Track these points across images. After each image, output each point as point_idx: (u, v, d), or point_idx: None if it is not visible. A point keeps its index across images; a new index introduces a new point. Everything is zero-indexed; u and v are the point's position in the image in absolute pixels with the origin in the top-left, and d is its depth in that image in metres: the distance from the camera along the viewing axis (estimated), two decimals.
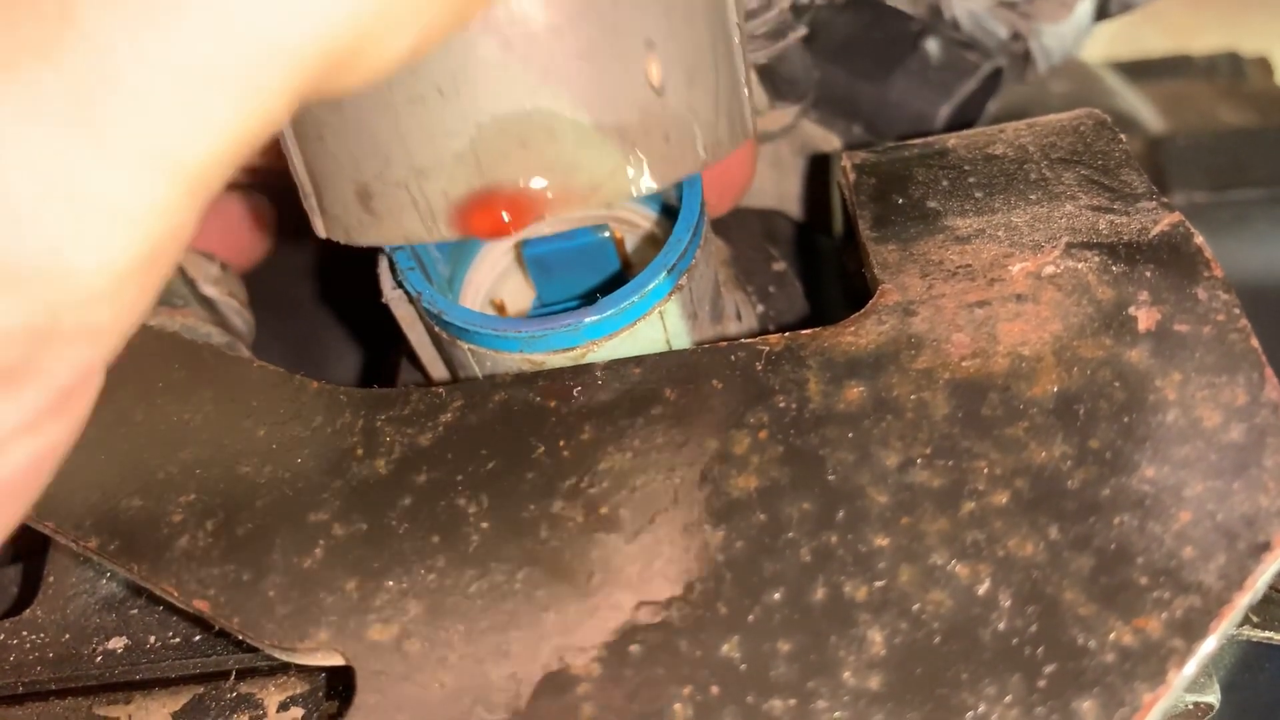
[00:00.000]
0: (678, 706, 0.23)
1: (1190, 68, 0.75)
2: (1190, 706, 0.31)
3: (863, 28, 0.48)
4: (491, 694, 0.24)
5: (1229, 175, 0.58)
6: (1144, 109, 0.66)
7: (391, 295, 0.33)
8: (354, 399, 0.30)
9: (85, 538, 0.29)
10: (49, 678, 0.32)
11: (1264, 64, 0.77)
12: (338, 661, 0.26)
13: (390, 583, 0.26)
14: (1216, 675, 0.32)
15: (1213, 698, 0.31)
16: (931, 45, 0.48)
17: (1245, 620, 0.30)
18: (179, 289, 0.39)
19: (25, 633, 0.33)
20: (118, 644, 0.32)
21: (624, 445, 0.28)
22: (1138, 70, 0.74)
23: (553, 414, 0.29)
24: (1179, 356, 0.26)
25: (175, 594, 0.27)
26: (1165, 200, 0.30)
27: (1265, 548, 0.23)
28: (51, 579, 0.34)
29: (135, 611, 0.32)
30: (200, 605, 0.27)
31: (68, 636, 0.32)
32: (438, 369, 0.36)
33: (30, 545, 0.42)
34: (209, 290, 0.41)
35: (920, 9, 0.48)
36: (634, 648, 0.24)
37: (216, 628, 0.27)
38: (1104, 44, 1.05)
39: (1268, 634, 0.31)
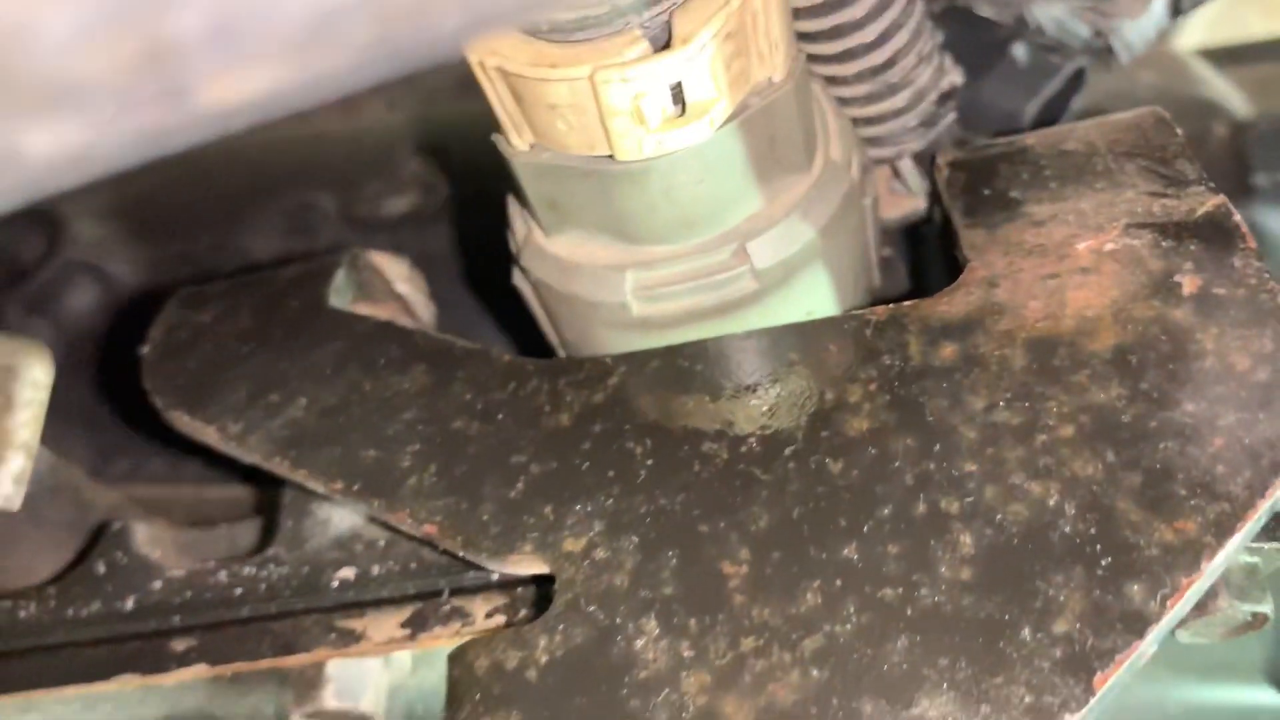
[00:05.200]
0: (809, 595, 0.30)
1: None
2: (1250, 618, 0.36)
3: (954, 36, 0.53)
4: (661, 586, 0.31)
5: None
6: (1232, 94, 0.70)
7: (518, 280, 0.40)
8: (539, 368, 0.37)
9: (333, 482, 0.37)
10: (295, 601, 0.40)
11: None
12: (541, 569, 0.33)
13: (578, 507, 0.33)
14: (1272, 593, 0.37)
15: (1268, 608, 0.36)
16: (1018, 50, 0.53)
17: None
18: (379, 285, 0.47)
19: (271, 567, 0.41)
20: (348, 573, 0.40)
21: (759, 397, 0.34)
22: (1230, 55, 0.78)
23: (698, 376, 0.36)
24: (1216, 314, 0.32)
25: (408, 521, 0.35)
26: (1212, 185, 0.35)
27: None
28: (289, 523, 0.42)
29: (360, 548, 0.40)
30: (429, 529, 0.34)
31: (306, 569, 0.40)
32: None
33: (260, 502, 0.50)
34: (401, 287, 0.49)
35: (1006, 16, 0.54)
36: (774, 554, 0.31)
37: (441, 548, 0.35)
38: (1203, 29, 1.07)
39: None
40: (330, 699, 0.39)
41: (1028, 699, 0.27)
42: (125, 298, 0.69)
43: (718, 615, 0.30)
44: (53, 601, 0.42)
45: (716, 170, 0.34)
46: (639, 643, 0.30)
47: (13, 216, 0.76)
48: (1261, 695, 0.50)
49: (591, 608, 0.31)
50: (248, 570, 0.40)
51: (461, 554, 0.34)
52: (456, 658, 0.32)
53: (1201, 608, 0.35)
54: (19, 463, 0.43)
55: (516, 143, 0.34)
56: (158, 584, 0.42)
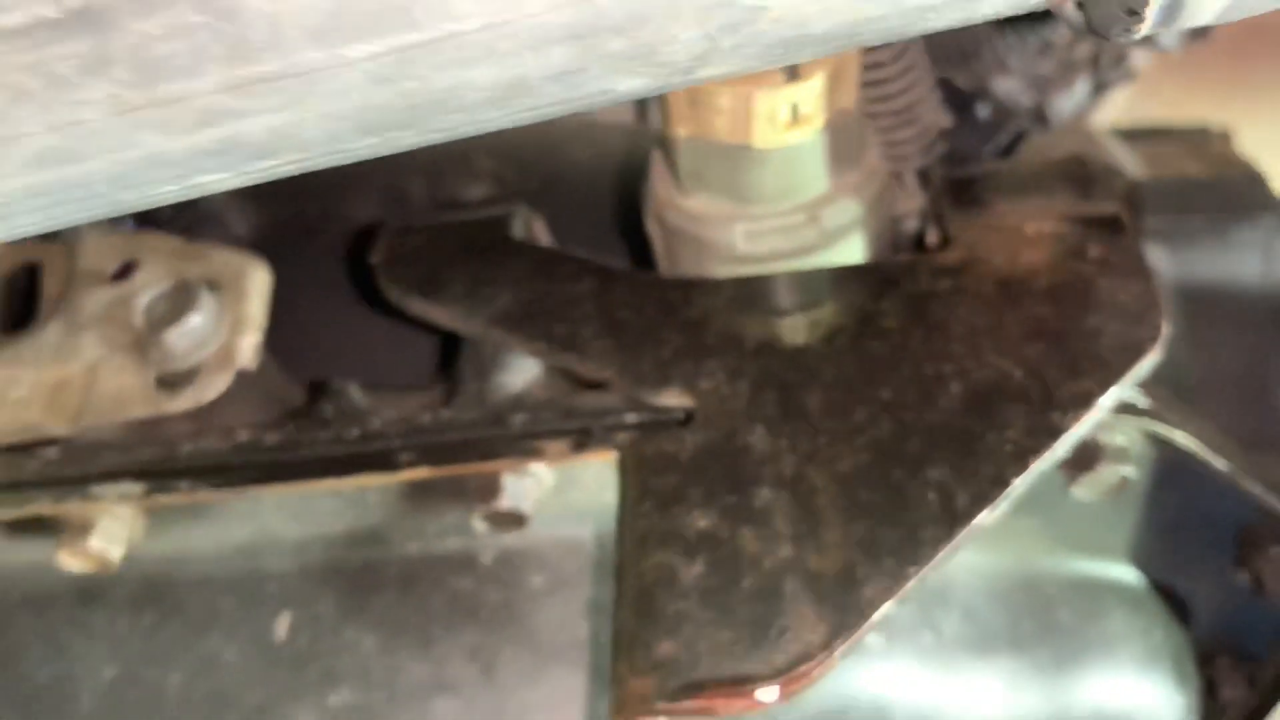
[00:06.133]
0: (859, 413, 0.49)
1: (1169, 135, 1.01)
2: (1121, 480, 0.56)
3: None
4: (765, 408, 0.50)
5: (1183, 205, 0.84)
6: (1130, 160, 0.92)
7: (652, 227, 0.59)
8: (675, 280, 0.56)
9: (535, 345, 0.55)
10: (486, 432, 0.57)
11: (1225, 136, 1.03)
12: (686, 402, 0.52)
13: (708, 363, 0.52)
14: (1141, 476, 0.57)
15: (1132, 473, 0.56)
16: (981, 110, 0.74)
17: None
18: (533, 234, 0.66)
19: (463, 412, 0.58)
20: (524, 416, 0.57)
21: (824, 306, 0.54)
22: (1131, 135, 1.01)
23: (783, 291, 0.55)
24: (1110, 270, 0.52)
25: (593, 368, 0.53)
26: (1112, 199, 0.56)
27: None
28: (473, 386, 0.59)
29: (530, 402, 0.57)
30: (607, 374, 0.53)
31: (491, 414, 0.57)
32: None
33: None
34: (543, 239, 0.67)
35: (974, 86, 0.75)
36: (836, 392, 0.50)
37: (612, 389, 0.53)
38: (1116, 113, 1.32)
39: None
40: (504, 502, 0.57)
41: (989, 471, 0.47)
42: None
43: (800, 425, 0.50)
44: (292, 430, 0.59)
45: (807, 161, 0.53)
46: (752, 439, 0.50)
47: None
48: (1123, 573, 0.70)
49: (721, 419, 0.50)
50: (445, 414, 0.58)
51: (629, 391, 0.53)
52: (626, 448, 0.51)
53: (1088, 467, 0.55)
54: (255, 335, 0.61)
55: (681, 131, 0.53)
56: (376, 422, 0.59)
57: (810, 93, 0.50)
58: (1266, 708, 0.75)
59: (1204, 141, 1.02)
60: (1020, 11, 0.35)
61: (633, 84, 0.31)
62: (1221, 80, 1.29)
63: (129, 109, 0.30)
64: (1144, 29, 0.33)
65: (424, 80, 0.29)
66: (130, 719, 0.59)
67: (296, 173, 0.38)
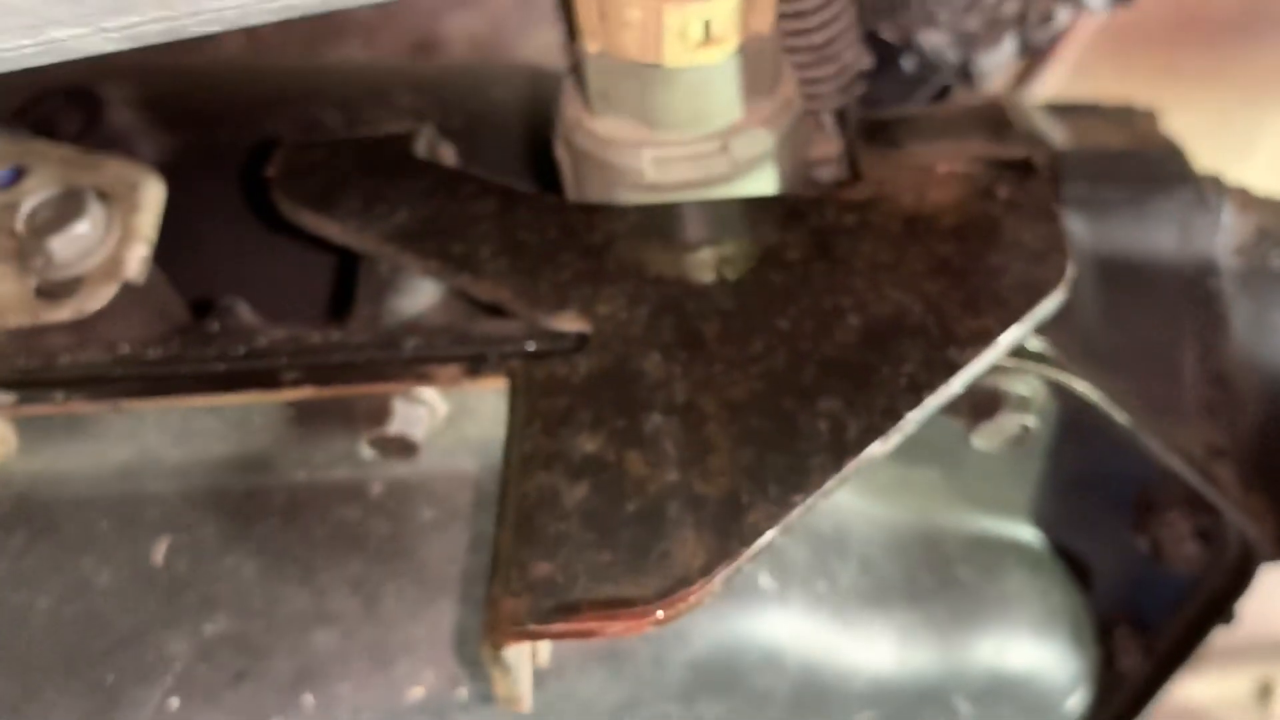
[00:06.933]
0: (756, 343, 0.48)
1: (1095, 110, 1.02)
2: (1023, 430, 0.55)
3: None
4: (662, 334, 0.49)
5: (1104, 176, 0.84)
6: (1055, 131, 0.92)
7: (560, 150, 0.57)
8: (578, 205, 0.55)
9: (428, 262, 0.53)
10: (377, 354, 0.55)
11: (1150, 114, 1.03)
12: (581, 326, 0.50)
13: (606, 289, 0.51)
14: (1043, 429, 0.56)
15: (1032, 423, 0.55)
16: (906, 62, 0.73)
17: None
18: (437, 156, 0.64)
19: (355, 333, 0.56)
20: (417, 340, 0.55)
21: (731, 237, 0.53)
22: (1057, 110, 1.01)
23: (687, 221, 0.54)
24: (1017, 211, 0.52)
25: (488, 287, 0.52)
26: (1024, 143, 0.55)
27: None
28: (366, 309, 0.57)
29: (424, 326, 0.56)
30: (503, 294, 0.51)
31: (383, 336, 0.56)
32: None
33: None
34: (449, 161, 0.65)
35: (901, 38, 0.74)
36: (735, 321, 0.49)
37: (508, 310, 0.52)
38: (1045, 94, 1.33)
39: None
40: (393, 427, 0.55)
41: (882, 403, 0.46)
42: None
43: (695, 353, 0.48)
44: (176, 345, 0.57)
45: (719, 84, 0.52)
46: (646, 365, 0.48)
47: (57, 93, 0.92)
48: (1025, 533, 0.70)
49: (616, 345, 0.49)
50: (335, 335, 0.56)
51: (525, 314, 0.51)
52: (517, 371, 0.49)
53: (989, 415, 0.54)
54: (144, 249, 0.58)
55: (591, 47, 0.52)
56: (263, 340, 0.56)
57: (724, 9, 0.49)
58: (1161, 679, 0.76)
59: (1129, 118, 1.02)
60: None
61: None
62: (1155, 67, 1.31)
63: None
64: None
65: None
66: None
67: (165, 36, 0.36)
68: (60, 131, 0.85)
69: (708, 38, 0.50)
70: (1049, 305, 0.49)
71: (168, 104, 0.84)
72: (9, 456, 0.58)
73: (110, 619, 0.57)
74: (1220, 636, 0.75)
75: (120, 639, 0.57)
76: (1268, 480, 0.83)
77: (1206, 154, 1.03)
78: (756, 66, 0.53)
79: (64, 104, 0.88)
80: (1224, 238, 0.84)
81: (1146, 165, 0.85)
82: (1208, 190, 0.85)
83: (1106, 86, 1.29)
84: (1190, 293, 0.83)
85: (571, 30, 0.52)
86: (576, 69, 0.54)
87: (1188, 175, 0.85)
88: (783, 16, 0.58)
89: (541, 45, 0.99)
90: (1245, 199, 0.86)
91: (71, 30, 0.34)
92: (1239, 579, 0.69)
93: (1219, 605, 0.72)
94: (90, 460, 0.59)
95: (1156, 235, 0.83)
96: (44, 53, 0.35)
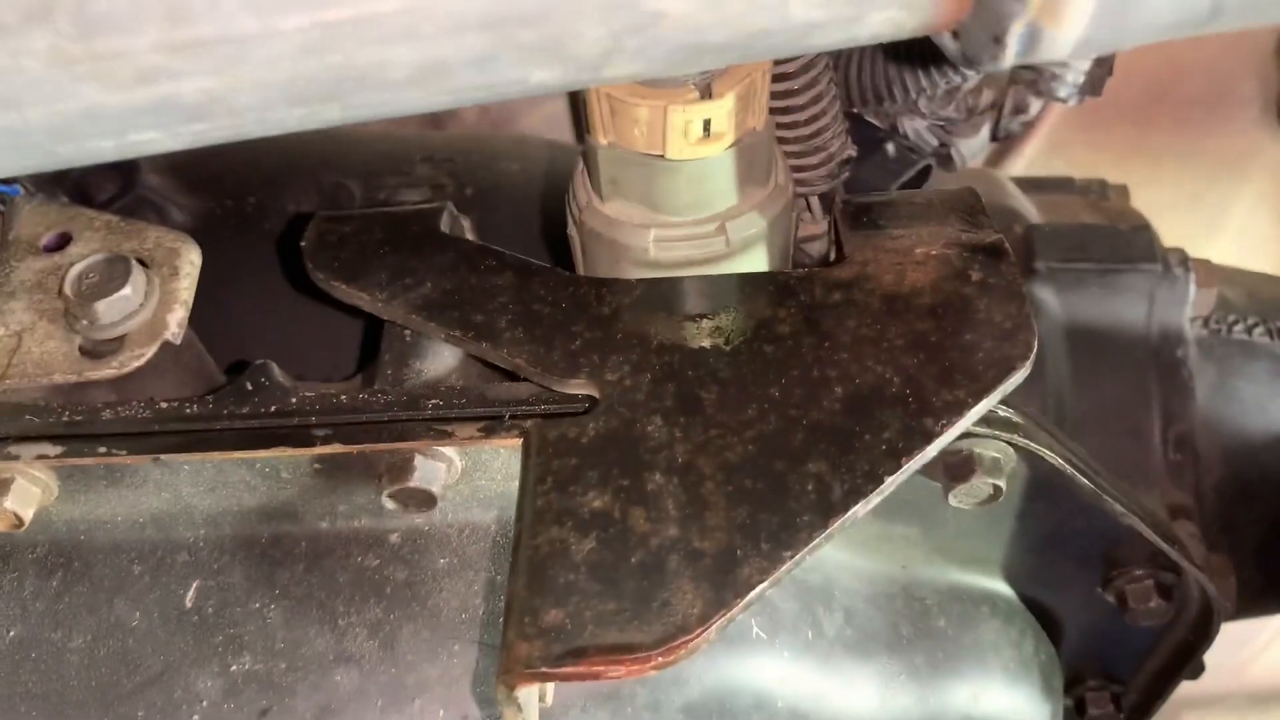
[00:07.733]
0: (750, 410, 0.53)
1: (1069, 186, 1.07)
2: (993, 490, 0.60)
3: (850, 131, 0.79)
4: (664, 400, 0.53)
5: (1075, 253, 0.90)
6: (1028, 207, 0.98)
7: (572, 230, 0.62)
8: (589, 280, 0.60)
9: (452, 331, 0.58)
10: (400, 413, 0.60)
11: (1124, 190, 1.09)
12: (590, 390, 0.55)
13: (614, 358, 0.56)
14: (1013, 491, 0.61)
15: (1003, 484, 0.60)
16: (889, 147, 0.79)
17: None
18: (460, 230, 0.69)
19: (379, 394, 0.61)
20: (438, 401, 0.59)
21: (726, 310, 0.58)
22: (1031, 184, 1.06)
23: (688, 294, 0.59)
24: (989, 293, 0.57)
25: (505, 355, 0.56)
26: (996, 228, 0.60)
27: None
28: (389, 371, 0.62)
29: (444, 388, 0.60)
30: (519, 361, 0.56)
31: (406, 398, 0.60)
32: None
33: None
34: (470, 236, 0.70)
35: (884, 123, 0.80)
36: (731, 389, 0.54)
37: (522, 376, 0.56)
38: (1021, 168, 1.39)
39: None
40: (414, 481, 0.59)
41: (864, 467, 0.51)
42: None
43: (694, 418, 0.53)
44: (211, 404, 0.61)
45: (717, 175, 0.57)
46: (649, 428, 0.53)
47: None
48: (999, 586, 0.75)
49: (622, 409, 0.54)
50: (362, 396, 0.61)
51: (538, 379, 0.56)
52: (531, 432, 0.54)
53: (964, 478, 0.59)
54: (182, 311, 0.63)
55: (602, 140, 0.57)
56: (294, 399, 0.61)
57: (722, 110, 0.54)
58: None
59: (1100, 194, 1.08)
60: (899, 38, 0.39)
61: (544, 76, 0.35)
62: (1126, 144, 1.37)
63: (69, 61, 0.32)
64: (1008, 58, 0.38)
65: (348, 55, 0.32)
66: (29, 679, 0.60)
67: (229, 139, 0.41)
68: (96, 196, 0.90)
69: (707, 134, 0.55)
70: (1016, 379, 0.53)
71: (195, 170, 0.89)
72: (50, 503, 0.62)
73: (141, 658, 0.61)
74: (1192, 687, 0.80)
75: (151, 677, 0.60)
76: (1230, 540, 0.88)
77: (1177, 227, 1.09)
78: (751, 158, 0.58)
79: (99, 170, 0.92)
80: (1188, 309, 0.90)
81: (1116, 240, 0.91)
82: (1174, 264, 0.91)
83: (1080, 160, 1.35)
84: (1156, 361, 0.88)
85: (584, 125, 0.58)
86: (588, 159, 0.59)
87: (1155, 250, 0.90)
88: (774, 111, 0.64)
89: (546, 116, 1.04)
90: (1209, 271, 0.92)
91: (149, 135, 0.38)
92: (1202, 633, 0.74)
93: (1184, 658, 0.76)
94: (126, 508, 0.63)
95: (1125, 307, 0.89)
96: (121, 152, 0.40)
